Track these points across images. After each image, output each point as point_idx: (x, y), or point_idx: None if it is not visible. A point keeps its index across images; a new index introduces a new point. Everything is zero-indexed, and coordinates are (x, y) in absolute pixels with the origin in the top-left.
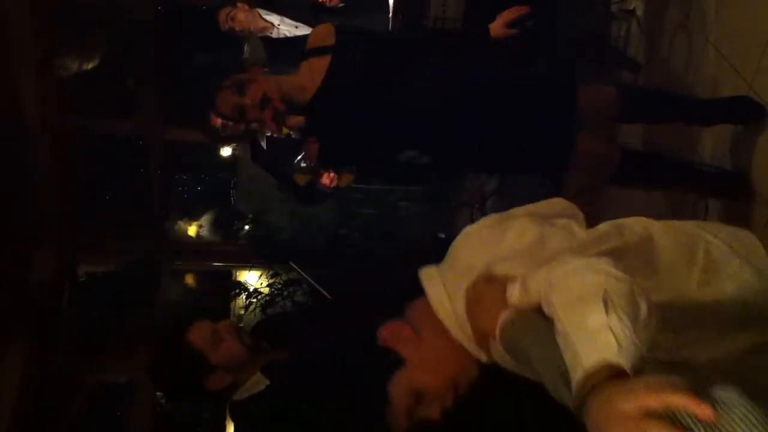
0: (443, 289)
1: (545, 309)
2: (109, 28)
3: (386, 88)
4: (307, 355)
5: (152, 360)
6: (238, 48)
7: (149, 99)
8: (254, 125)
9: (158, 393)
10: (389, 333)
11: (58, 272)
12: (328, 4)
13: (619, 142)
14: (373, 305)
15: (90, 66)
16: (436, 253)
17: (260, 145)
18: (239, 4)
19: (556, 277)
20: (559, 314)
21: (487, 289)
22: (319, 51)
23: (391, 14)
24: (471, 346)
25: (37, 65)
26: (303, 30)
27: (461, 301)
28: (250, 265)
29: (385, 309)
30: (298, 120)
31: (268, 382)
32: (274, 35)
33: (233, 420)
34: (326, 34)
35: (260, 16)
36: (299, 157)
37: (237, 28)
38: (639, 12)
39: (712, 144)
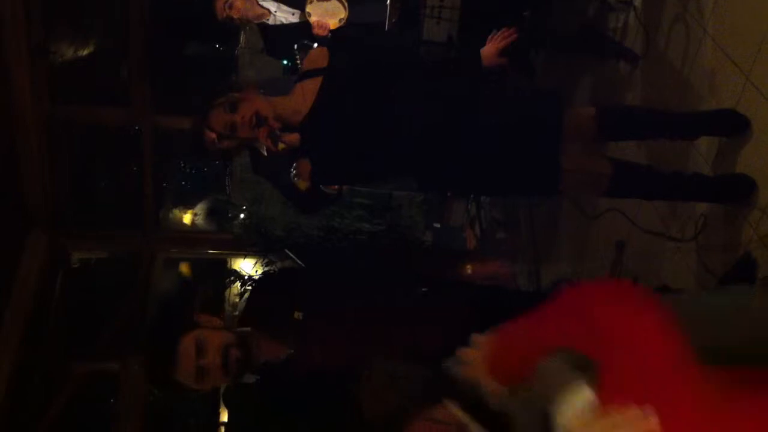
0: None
1: None
2: (105, 13)
3: (375, 109)
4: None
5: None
6: (234, 36)
7: (142, 86)
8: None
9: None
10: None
11: (52, 258)
12: None
13: (612, 156)
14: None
15: (84, 53)
16: (432, 243)
17: (260, 157)
18: None
19: None
20: None
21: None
22: (312, 73)
23: (389, 1)
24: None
25: (30, 52)
26: (299, 17)
27: None
28: (245, 253)
29: (381, 300)
30: (294, 137)
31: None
32: (271, 22)
33: (227, 406)
34: (320, 57)
35: (257, 2)
36: (293, 172)
37: (235, 16)
38: (637, 3)
39: (694, 155)
